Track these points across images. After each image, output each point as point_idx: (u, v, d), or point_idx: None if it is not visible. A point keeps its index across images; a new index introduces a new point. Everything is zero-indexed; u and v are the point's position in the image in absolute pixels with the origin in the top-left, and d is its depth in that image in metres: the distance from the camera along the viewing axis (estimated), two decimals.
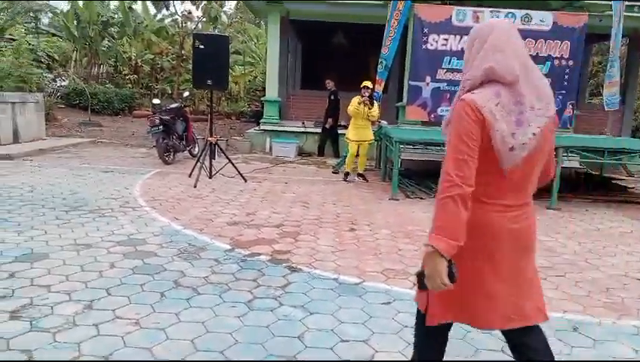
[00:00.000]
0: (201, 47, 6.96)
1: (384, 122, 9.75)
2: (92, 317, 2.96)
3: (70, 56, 22.70)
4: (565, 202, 7.08)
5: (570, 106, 9.72)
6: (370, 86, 8.16)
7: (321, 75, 12.38)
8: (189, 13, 22.12)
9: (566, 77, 9.64)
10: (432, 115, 9.75)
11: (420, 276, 1.72)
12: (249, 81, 22.35)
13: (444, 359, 2.03)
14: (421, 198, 7.12)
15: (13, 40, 13.98)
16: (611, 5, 9.41)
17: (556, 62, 9.56)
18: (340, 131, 10.89)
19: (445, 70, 9.60)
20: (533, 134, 1.71)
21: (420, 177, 8.47)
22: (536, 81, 1.78)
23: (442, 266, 1.63)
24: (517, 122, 1.70)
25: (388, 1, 9.96)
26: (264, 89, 13.63)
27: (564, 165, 7.16)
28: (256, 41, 24.13)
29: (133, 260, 3.94)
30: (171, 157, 9.10)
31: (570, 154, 7.25)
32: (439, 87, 9.66)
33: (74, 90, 18.08)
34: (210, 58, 7.06)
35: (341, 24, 13.03)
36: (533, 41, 9.50)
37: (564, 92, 9.65)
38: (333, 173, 9.10)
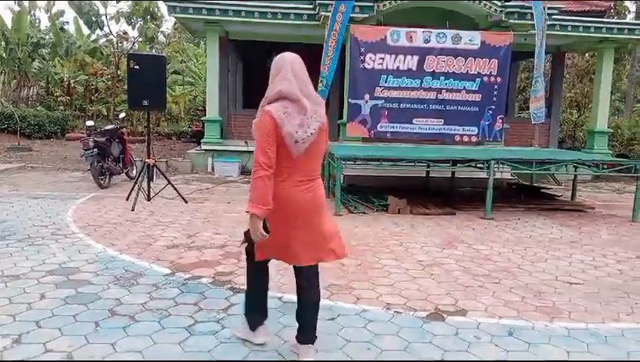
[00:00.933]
0: (137, 67, 6.80)
1: None
2: (21, 352, 2.78)
3: None
4: (499, 212, 7.41)
5: (500, 120, 10.23)
6: None
7: (262, 93, 12.38)
8: (125, 33, 21.64)
9: (495, 92, 10.16)
10: (372, 132, 9.97)
11: (246, 233, 2.85)
12: (189, 100, 22.02)
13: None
14: (364, 213, 7.23)
15: None
16: (534, 25, 10.07)
17: (485, 78, 10.06)
18: None
19: (382, 88, 9.87)
20: (311, 133, 2.57)
21: (363, 192, 8.62)
22: (314, 98, 2.67)
23: (259, 224, 2.57)
24: (299, 125, 2.54)
25: (325, 23, 10.17)
26: (205, 108, 13.47)
27: (496, 176, 7.51)
28: (195, 60, 23.88)
29: (65, 290, 3.74)
30: (107, 180, 8.76)
31: (501, 166, 7.63)
32: (377, 105, 9.91)
33: (2, 114, 17.11)
34: (146, 78, 6.91)
35: (281, 44, 13.12)
36: (464, 59, 9.97)
37: (493, 107, 10.15)
38: None
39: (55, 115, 18.67)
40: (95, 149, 8.39)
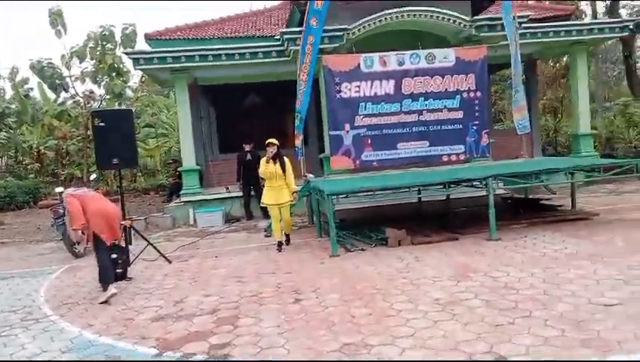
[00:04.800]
0: (101, 124, 6.33)
1: (310, 175, 9.47)
2: None
3: None
4: (503, 231, 7.00)
5: (486, 135, 9.97)
6: (275, 143, 7.40)
7: (237, 136, 11.99)
8: (91, 92, 21.15)
9: (476, 108, 9.92)
10: (357, 162, 9.59)
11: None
12: (164, 152, 21.53)
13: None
14: (362, 250, 6.74)
15: None
16: (505, 36, 9.96)
17: (465, 94, 9.84)
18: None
19: (362, 116, 9.56)
20: None
21: (356, 226, 8.16)
22: None
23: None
24: None
25: (295, 57, 9.90)
26: (177, 160, 13.01)
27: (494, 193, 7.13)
28: (166, 111, 23.52)
29: None
30: (82, 248, 8.13)
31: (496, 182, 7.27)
32: (359, 134, 9.56)
33: None
34: (114, 135, 6.43)
35: (252, 84, 12.86)
36: (440, 77, 9.75)
37: (477, 122, 9.89)
38: (265, 236, 8.55)
39: (26, 184, 17.95)
40: (64, 218, 7.78)
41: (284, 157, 7.47)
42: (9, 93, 24.22)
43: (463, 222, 7.88)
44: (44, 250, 9.18)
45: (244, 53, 10.94)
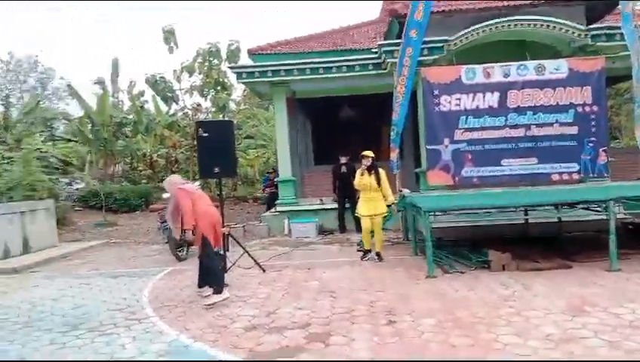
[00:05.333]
0: (205, 134, 6.59)
1: (406, 190, 9.17)
2: None
3: (86, 158, 23.09)
4: (625, 260, 6.23)
5: (604, 153, 9.04)
6: (370, 155, 7.56)
7: (333, 149, 12.03)
8: (198, 105, 22.57)
9: (593, 123, 9.05)
10: (457, 178, 9.13)
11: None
12: (263, 163, 22.30)
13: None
14: (461, 272, 6.33)
15: (36, 149, 14.07)
16: (624, 46, 9.03)
17: (579, 108, 9.02)
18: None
19: (463, 130, 9.11)
20: None
21: (454, 246, 7.74)
22: None
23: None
24: None
25: (393, 69, 9.72)
26: (275, 170, 13.31)
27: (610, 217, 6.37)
28: (265, 123, 24.37)
29: None
30: (185, 252, 8.54)
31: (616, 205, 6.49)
32: (459, 148, 9.12)
33: (90, 192, 18.04)
34: (216, 145, 6.67)
35: (348, 97, 12.87)
36: (552, 90, 9.03)
37: (593, 139, 9.01)
38: (358, 251, 8.39)
39: (139, 189, 19.45)
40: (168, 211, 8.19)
41: (380, 169, 7.56)
42: (127, 105, 26.61)
43: (577, 248, 7.16)
44: (151, 251, 9.78)
45: (342, 66, 11.00)
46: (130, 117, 23.34)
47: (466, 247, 7.52)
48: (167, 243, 8.78)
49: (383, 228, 8.92)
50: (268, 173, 15.86)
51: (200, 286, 5.77)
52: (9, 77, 38.12)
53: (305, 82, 11.61)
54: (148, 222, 14.91)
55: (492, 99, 9.10)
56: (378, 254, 7.55)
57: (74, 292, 6.36)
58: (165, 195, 9.72)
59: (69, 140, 25.81)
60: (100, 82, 29.13)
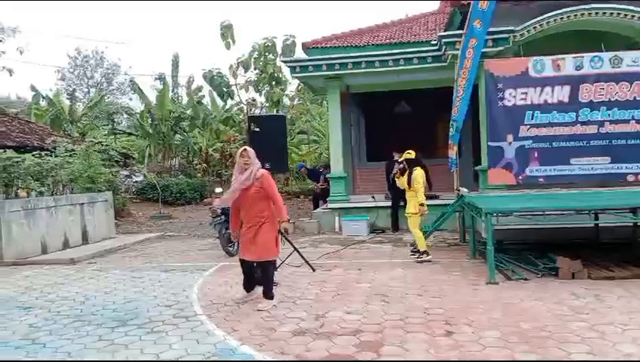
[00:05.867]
0: (257, 129, 6.48)
1: (464, 189, 8.70)
2: None
3: (145, 152, 23.87)
4: None
5: None
6: (405, 156, 7.65)
7: (387, 146, 11.69)
8: (253, 100, 22.73)
9: None
10: (520, 177, 8.56)
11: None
12: (315, 158, 22.22)
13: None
14: (526, 279, 5.86)
15: (97, 143, 14.61)
16: None
17: None
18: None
19: (529, 126, 8.52)
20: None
21: (516, 250, 7.24)
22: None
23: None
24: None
25: (454, 61, 9.24)
26: (328, 166, 13.10)
27: None
28: (319, 119, 24.26)
29: None
30: (235, 248, 8.48)
31: None
32: (524, 146, 8.54)
33: (148, 185, 18.59)
34: (268, 140, 6.57)
35: (403, 92, 12.46)
36: (629, 84, 8.27)
37: None
38: (412, 252, 8.04)
39: (194, 182, 19.86)
40: (223, 216, 8.21)
41: (416, 169, 7.46)
42: (185, 100, 27.26)
43: None
44: (203, 245, 9.85)
45: (398, 60, 10.63)
46: (188, 112, 23.91)
47: (529, 252, 7.01)
48: (218, 238, 8.78)
49: (440, 229, 8.60)
50: (319, 168, 15.65)
51: (249, 289, 5.41)
52: (77, 72, 40.08)
53: (359, 76, 11.33)
54: (201, 215, 15.15)
55: (562, 93, 8.45)
56: (417, 251, 7.49)
57: (126, 286, 6.42)
58: (218, 190, 9.76)
59: (130, 134, 26.82)
60: (161, 77, 30.10)
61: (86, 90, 39.68)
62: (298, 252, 7.09)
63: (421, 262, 7.20)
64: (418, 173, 7.40)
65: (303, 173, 14.33)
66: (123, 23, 60.06)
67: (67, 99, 27.48)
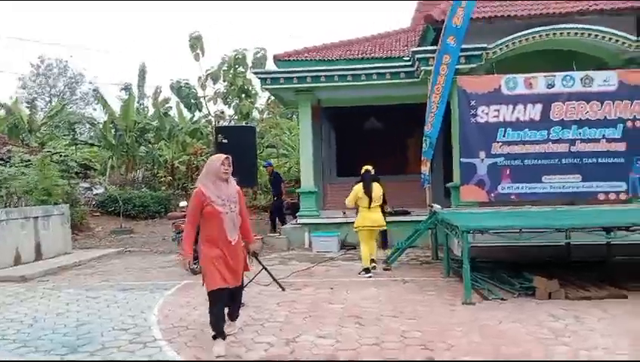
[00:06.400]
0: (225, 141, 6.16)
1: (437, 206, 8.57)
2: None
3: (108, 164, 23.03)
4: None
5: None
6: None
7: (357, 161, 11.52)
8: (222, 112, 22.35)
9: None
10: (492, 194, 8.49)
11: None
12: (284, 172, 21.90)
13: None
14: (503, 299, 5.70)
15: (55, 153, 13.90)
16: None
17: (629, 124, 8.32)
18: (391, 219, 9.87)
19: (501, 143, 8.49)
20: None
21: (490, 268, 7.10)
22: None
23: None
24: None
25: (427, 77, 9.17)
26: (298, 180, 12.83)
27: None
28: (288, 133, 24.01)
29: None
30: (199, 265, 8.06)
31: None
32: (496, 163, 8.49)
33: (109, 198, 17.84)
34: (236, 152, 6.19)
35: (375, 107, 12.35)
36: (599, 103, 8.36)
37: None
38: (384, 269, 7.82)
39: (158, 196, 19.16)
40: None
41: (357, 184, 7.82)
42: (151, 111, 26.57)
43: (628, 274, 6.45)
44: (165, 262, 9.36)
45: (371, 74, 10.51)
46: (154, 123, 23.25)
47: (502, 270, 6.88)
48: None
49: (411, 246, 8.49)
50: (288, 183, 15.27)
51: (233, 318, 4.67)
52: (38, 80, 38.73)
53: (331, 90, 11.15)
54: (165, 230, 14.54)
55: (534, 111, 8.48)
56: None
57: (80, 307, 5.93)
58: (183, 203, 9.33)
59: (93, 145, 25.87)
60: (127, 88, 29.32)
61: (48, 99, 38.32)
62: (267, 270, 6.75)
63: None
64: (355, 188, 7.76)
65: (268, 171, 13.90)
66: (90, 29, 58.69)
67: (27, 107, 26.37)
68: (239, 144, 6.26)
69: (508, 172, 8.46)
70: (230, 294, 4.33)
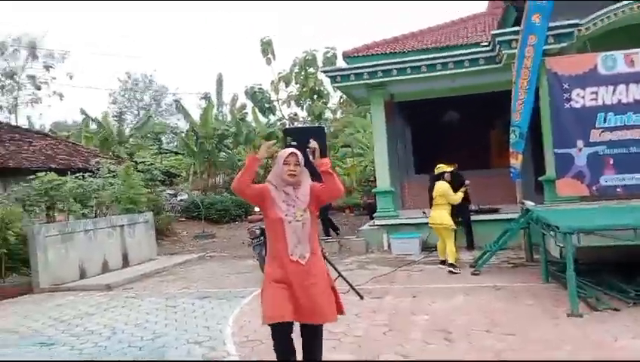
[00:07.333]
0: (293, 143, 5.86)
1: (530, 203, 7.77)
2: None
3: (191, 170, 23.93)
4: None
5: None
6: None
7: (436, 156, 10.86)
8: (295, 115, 22.42)
9: None
10: (594, 187, 7.56)
11: None
12: (360, 171, 21.53)
13: None
14: (616, 309, 4.92)
15: (140, 162, 14.54)
16: None
17: None
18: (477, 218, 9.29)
19: (601, 130, 7.54)
20: None
21: (593, 272, 6.24)
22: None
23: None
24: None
25: (511, 62, 8.37)
26: (375, 179, 12.36)
27: None
28: (363, 131, 23.59)
29: None
30: None
31: None
32: (597, 152, 7.55)
33: (192, 203, 18.43)
34: (307, 154, 5.90)
35: (453, 98, 11.60)
36: None
37: None
38: (472, 274, 7.19)
39: (239, 199, 19.51)
40: (262, 237, 7.67)
41: (439, 181, 7.90)
42: (229, 118, 27.31)
43: None
44: (243, 267, 9.32)
45: (447, 63, 9.81)
46: (232, 129, 23.85)
47: (610, 274, 6.01)
48: (258, 260, 8.23)
49: (504, 248, 7.86)
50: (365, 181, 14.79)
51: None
52: (127, 95, 41.35)
53: (404, 83, 10.59)
54: (244, 234, 14.68)
55: (638, 91, 7.45)
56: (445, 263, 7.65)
57: (158, 318, 5.91)
58: (257, 208, 9.23)
59: (177, 153, 27.06)
60: (206, 97, 30.37)
61: (136, 112, 40.79)
62: (343, 277, 6.37)
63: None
64: (441, 185, 7.83)
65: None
66: (169, 44, 61.92)
67: (115, 120, 28.09)
68: (308, 145, 5.94)
69: (611, 162, 7.48)
70: (304, 332, 3.35)
